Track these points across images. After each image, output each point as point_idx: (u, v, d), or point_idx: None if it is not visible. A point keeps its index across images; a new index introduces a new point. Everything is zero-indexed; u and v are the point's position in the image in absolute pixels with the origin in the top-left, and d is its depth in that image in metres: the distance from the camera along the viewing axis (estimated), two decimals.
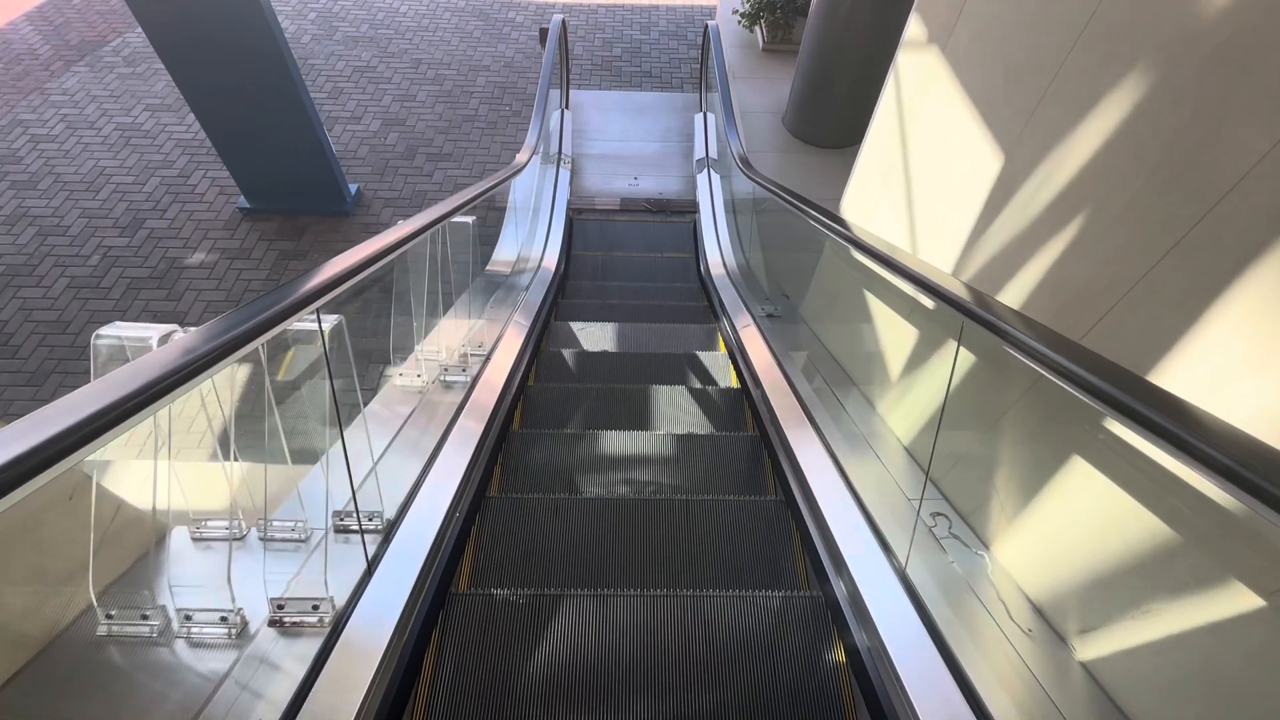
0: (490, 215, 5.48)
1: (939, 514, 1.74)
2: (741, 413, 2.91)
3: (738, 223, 4.70)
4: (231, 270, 4.81)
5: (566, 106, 5.99)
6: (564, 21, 5.37)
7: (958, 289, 1.28)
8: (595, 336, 3.66)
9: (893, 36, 4.52)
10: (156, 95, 6.23)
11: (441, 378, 2.50)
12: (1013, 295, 1.52)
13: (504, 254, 4.04)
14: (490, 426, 2.37)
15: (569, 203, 5.41)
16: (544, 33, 5.07)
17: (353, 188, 5.38)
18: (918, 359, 2.02)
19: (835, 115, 4.79)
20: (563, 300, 4.25)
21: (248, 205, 5.19)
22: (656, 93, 6.81)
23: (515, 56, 7.22)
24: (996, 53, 1.63)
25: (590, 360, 3.28)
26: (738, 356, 3.18)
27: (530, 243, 4.49)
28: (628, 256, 5.02)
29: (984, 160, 1.66)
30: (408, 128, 6.17)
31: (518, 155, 3.66)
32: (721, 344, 3.63)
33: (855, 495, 1.84)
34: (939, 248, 1.92)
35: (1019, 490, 1.46)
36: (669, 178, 5.82)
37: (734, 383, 3.19)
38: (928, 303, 1.88)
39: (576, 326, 3.68)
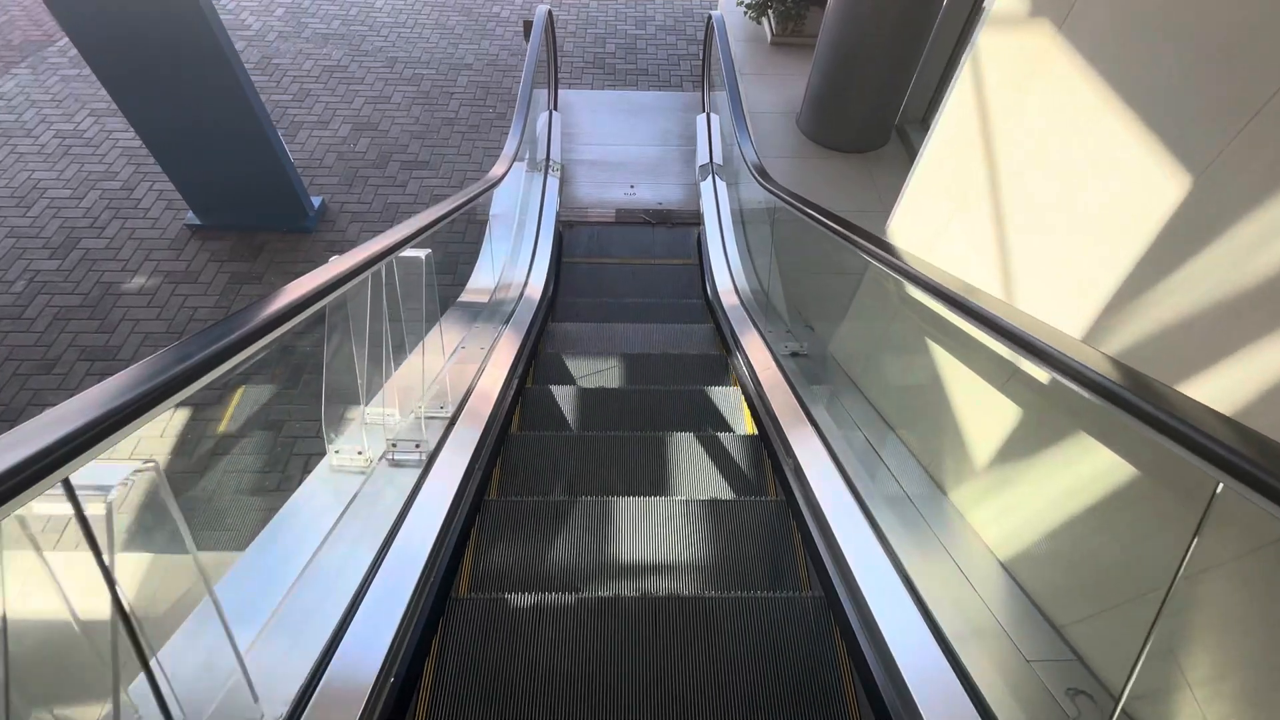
0: (471, 230, 4.96)
1: (1079, 691, 1.22)
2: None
3: (749, 238, 4.19)
4: (175, 296, 4.28)
5: (555, 108, 5.48)
6: (549, 12, 4.86)
7: (1164, 397, 0.76)
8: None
9: (928, 26, 4.06)
10: (103, 99, 5.69)
11: (390, 455, 1.98)
12: (1216, 395, 1.00)
13: (481, 280, 3.51)
14: (449, 527, 1.84)
15: (558, 215, 4.88)
16: (528, 25, 4.55)
17: (316, 201, 4.85)
18: (1023, 448, 1.50)
19: (859, 116, 4.28)
20: (552, 324, 3.73)
21: (197, 222, 4.66)
22: (654, 92, 6.30)
23: (500, 53, 6.70)
24: (1177, 26, 1.11)
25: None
26: (759, 406, 2.65)
27: (513, 264, 3.96)
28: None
29: (1149, 183, 1.14)
30: (380, 132, 5.65)
31: (493, 167, 3.14)
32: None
33: (948, 651, 1.32)
34: (1056, 300, 1.40)
35: None
36: (669, 185, 5.30)
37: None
38: (1038, 373, 1.37)
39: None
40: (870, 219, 4.06)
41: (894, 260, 1.70)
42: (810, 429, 2.20)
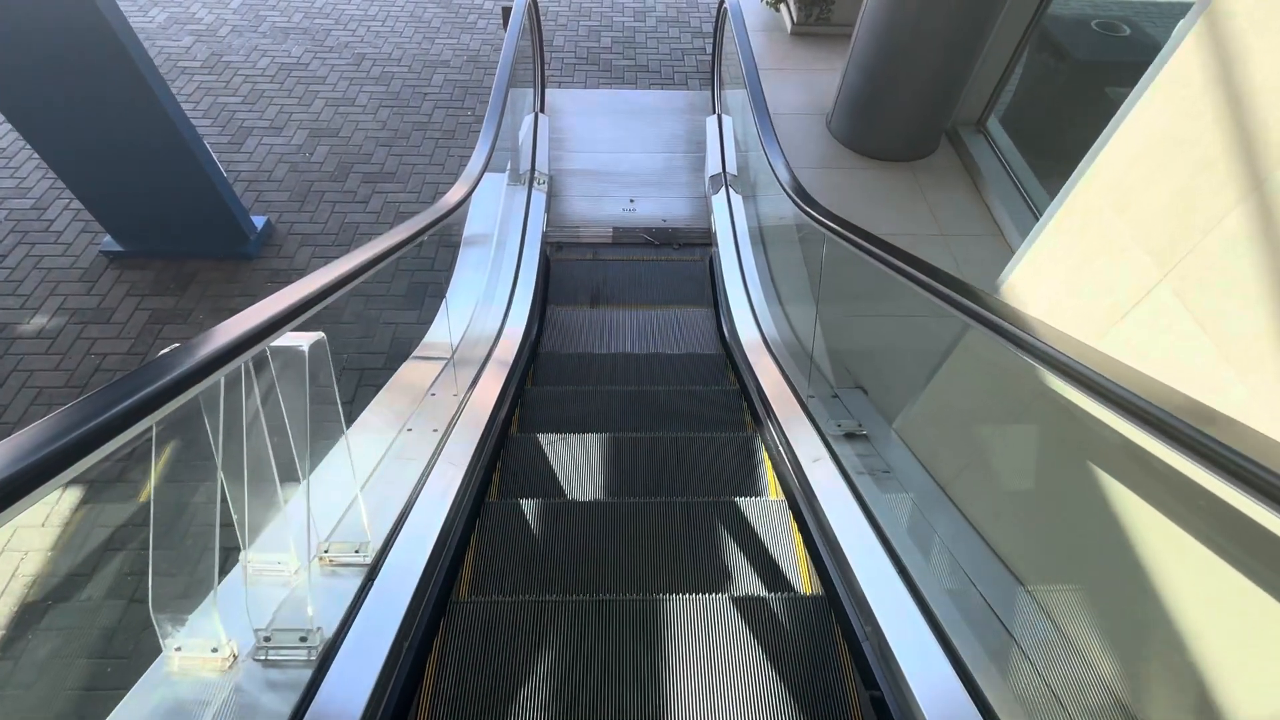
0: (442, 255, 4.27)
1: None
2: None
3: (773, 264, 3.50)
4: (81, 340, 3.58)
5: (541, 110, 4.79)
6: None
7: None
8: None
9: (994, 8, 3.37)
10: None
11: (261, 653, 1.30)
12: None
13: (437, 334, 2.81)
14: None
15: (544, 236, 4.19)
16: (507, 12, 3.87)
17: (259, 221, 4.15)
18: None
19: (906, 118, 3.60)
20: (530, 389, 3.04)
21: (116, 248, 3.97)
22: (656, 90, 5.62)
23: (482, 49, 6.02)
24: None
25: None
26: (817, 538, 1.94)
27: (486, 305, 3.27)
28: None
29: None
30: (341, 139, 4.96)
31: (450, 191, 2.45)
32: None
33: None
34: None
35: None
36: (674, 199, 4.61)
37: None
38: None
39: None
40: (927, 246, 3.36)
41: (1042, 346, 1.02)
42: (902, 589, 1.50)
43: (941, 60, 3.28)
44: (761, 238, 4.08)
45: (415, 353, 2.96)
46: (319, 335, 1.36)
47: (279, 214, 4.37)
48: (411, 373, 2.68)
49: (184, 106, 5.11)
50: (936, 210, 3.45)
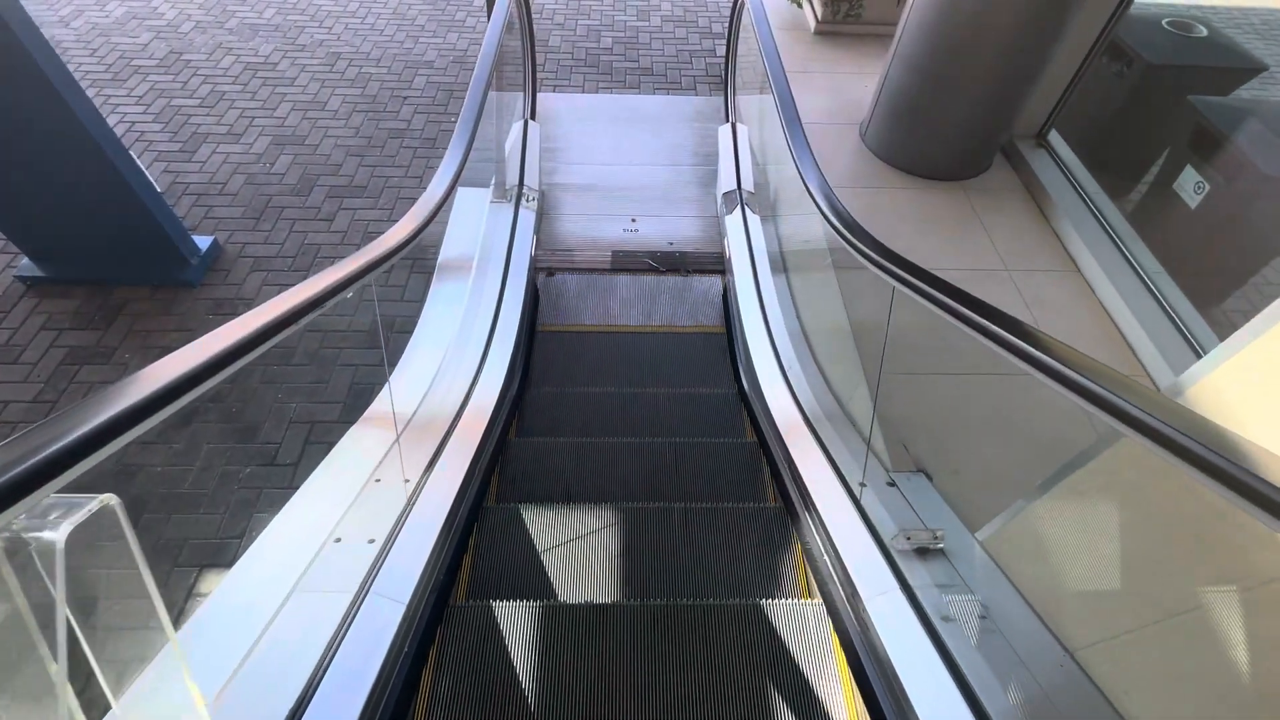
0: (415, 284, 3.75)
1: None
2: None
3: (805, 308, 2.96)
4: None
5: (532, 116, 4.27)
6: None
7: None
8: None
9: (1068, 9, 2.76)
10: None
11: None
12: None
13: (393, 397, 2.28)
14: None
15: (533, 261, 3.67)
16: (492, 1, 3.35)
17: (204, 242, 3.62)
18: None
19: (961, 132, 3.07)
20: (513, 439, 2.51)
21: (36, 273, 3.44)
22: (661, 96, 5.11)
23: (469, 49, 5.52)
24: None
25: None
26: (880, 690, 1.41)
27: (460, 351, 2.74)
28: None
29: None
30: (308, 147, 4.44)
31: (397, 226, 1.92)
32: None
33: None
34: None
35: None
36: (683, 218, 4.09)
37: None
38: None
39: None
40: (989, 284, 2.79)
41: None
42: None
43: (1008, 61, 2.75)
44: (785, 265, 3.55)
45: (368, 411, 2.43)
46: (104, 500, 0.82)
47: (230, 233, 3.84)
48: (356, 445, 2.15)
49: (133, 109, 4.61)
50: (996, 239, 2.90)
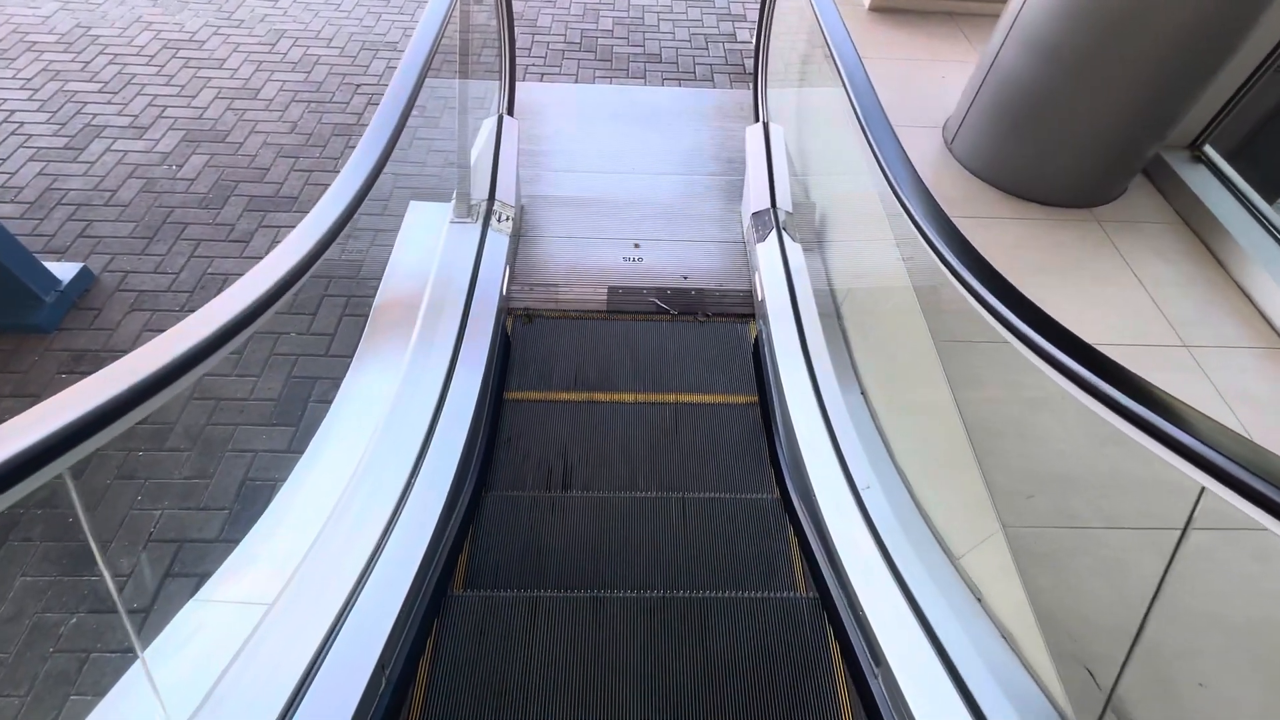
0: (347, 327, 2.89)
1: None
2: None
3: (861, 365, 2.11)
4: None
5: (509, 111, 3.41)
6: None
7: None
8: None
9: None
10: None
11: None
12: None
13: (277, 540, 1.43)
14: None
15: (504, 300, 2.83)
16: None
17: (68, 272, 2.76)
18: None
19: (1098, 146, 2.19)
20: (459, 597, 1.67)
21: None
22: (672, 88, 4.25)
23: (449, 30, 4.62)
24: None
25: None
26: None
27: (384, 459, 1.88)
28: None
29: None
30: (229, 146, 3.57)
31: (265, 261, 1.05)
32: None
33: None
34: None
35: None
36: (700, 244, 3.24)
37: None
38: None
39: None
40: (1171, 372, 1.85)
41: None
42: None
43: (1184, 49, 1.90)
44: (839, 313, 2.70)
45: (235, 556, 1.64)
46: None
47: (111, 257, 2.97)
48: (202, 634, 1.34)
49: (15, 95, 3.73)
50: (1158, 295, 2.03)
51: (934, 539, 1.76)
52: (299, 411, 2.49)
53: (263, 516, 1.96)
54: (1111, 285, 2.07)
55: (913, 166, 1.67)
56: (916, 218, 1.52)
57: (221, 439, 2.40)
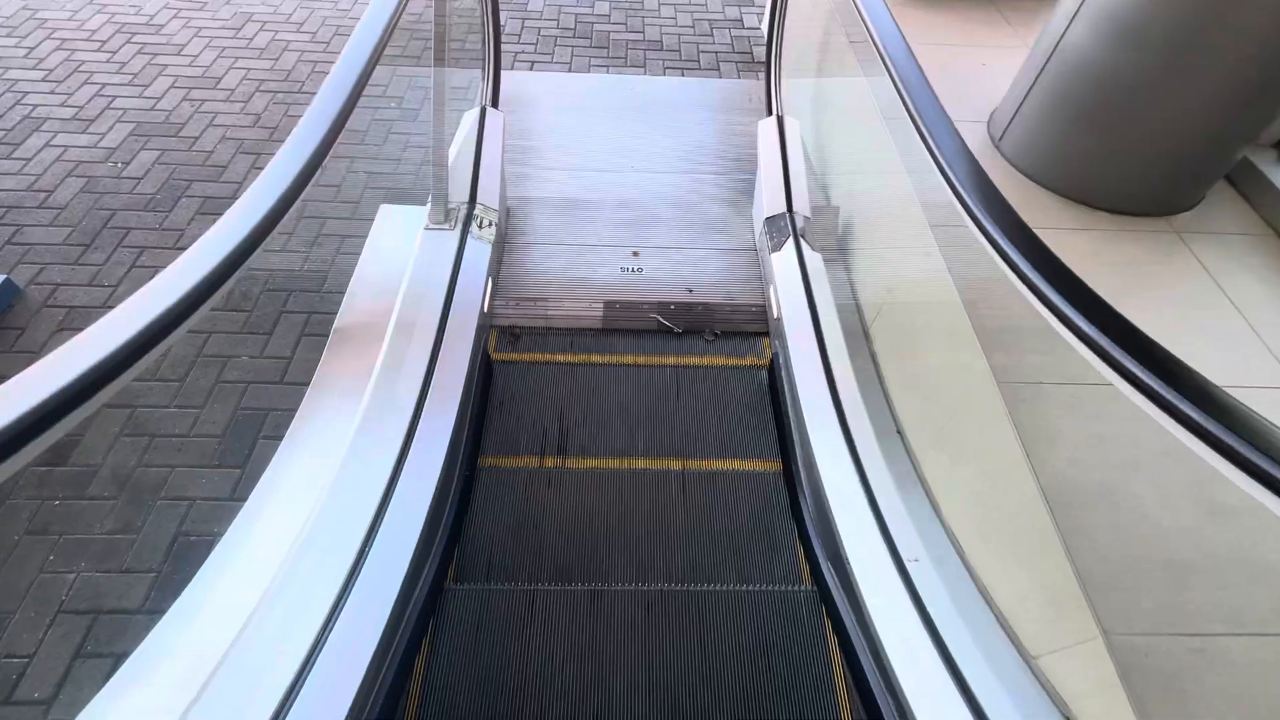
0: (307, 351, 2.56)
1: None
2: None
3: (898, 405, 1.79)
4: None
5: (493, 103, 3.06)
6: None
7: None
8: None
9: None
10: None
11: None
12: None
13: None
14: None
15: (486, 318, 2.50)
16: None
17: None
18: None
19: (1187, 140, 1.85)
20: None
21: None
22: (675, 78, 3.91)
23: (424, 11, 4.27)
24: None
25: None
26: None
27: (331, 533, 1.55)
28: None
29: None
30: (183, 140, 3.23)
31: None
32: None
33: None
34: None
35: None
36: (705, 252, 2.91)
37: None
38: None
39: None
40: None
41: None
42: None
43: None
44: (865, 333, 2.38)
45: (150, 641, 1.34)
46: None
47: (40, 267, 2.63)
48: None
49: None
50: (1257, 321, 1.71)
51: (998, 626, 1.45)
52: (246, 450, 2.16)
53: (190, 585, 1.65)
54: (1202, 311, 1.75)
55: (979, 165, 1.34)
56: (988, 228, 1.20)
57: (154, 484, 2.06)
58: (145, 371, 2.38)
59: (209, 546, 1.74)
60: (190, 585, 1.64)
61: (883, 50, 1.65)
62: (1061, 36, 1.93)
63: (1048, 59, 2.00)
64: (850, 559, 1.63)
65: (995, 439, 1.56)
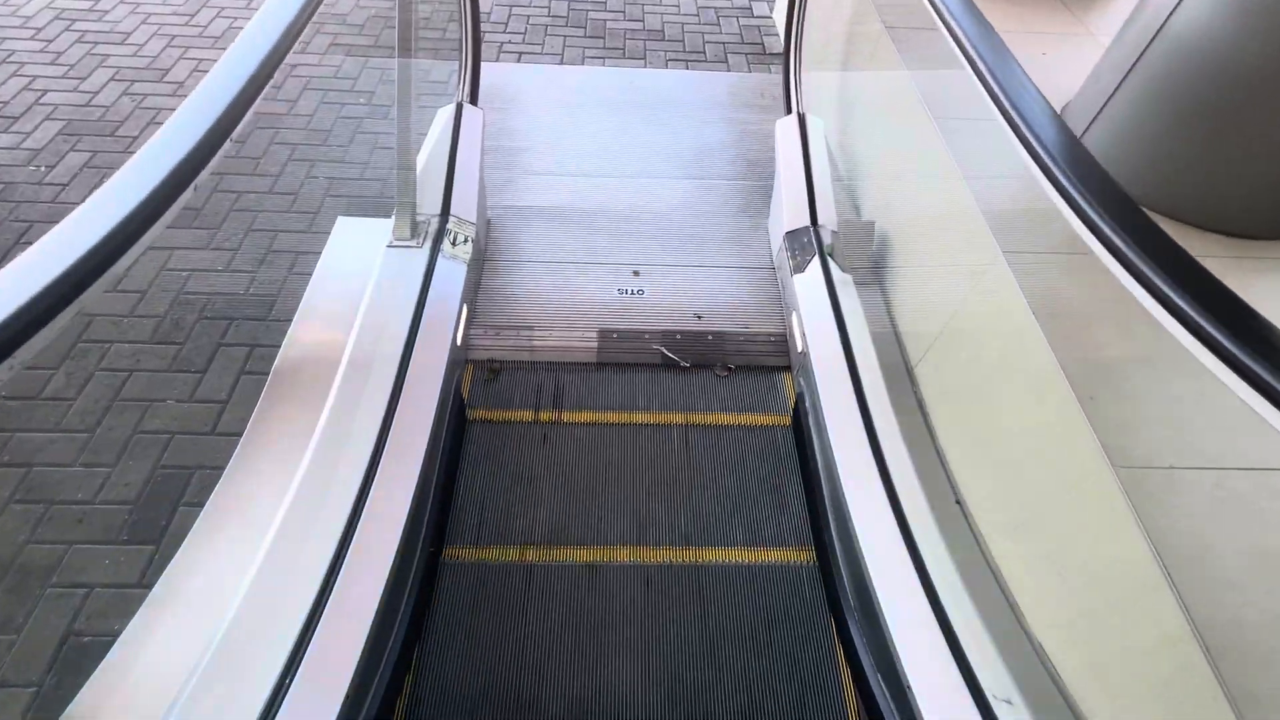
0: (248, 390, 2.18)
1: None
2: None
3: (957, 476, 1.43)
4: None
5: (472, 99, 2.67)
6: None
7: None
8: None
9: None
10: None
11: None
12: None
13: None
14: None
15: (457, 352, 2.12)
16: None
17: None
18: None
19: None
20: None
21: None
22: (678, 71, 3.52)
23: None
24: None
25: None
26: None
27: (260, 616, 1.16)
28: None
29: None
30: (119, 141, 2.84)
31: None
32: None
33: None
34: None
35: None
36: (715, 270, 2.53)
37: None
38: None
39: None
40: None
41: None
42: None
43: None
44: (910, 375, 2.01)
45: None
46: None
47: None
48: None
49: None
50: None
51: None
52: (163, 521, 1.78)
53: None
54: None
55: (1103, 169, 0.99)
56: (1125, 251, 0.86)
57: (44, 566, 1.68)
58: (49, 420, 2.00)
59: (105, 650, 1.37)
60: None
61: (950, 19, 1.28)
62: (1167, 18, 1.56)
63: (1147, 45, 1.63)
64: (915, 692, 1.26)
65: (1111, 540, 1.19)
